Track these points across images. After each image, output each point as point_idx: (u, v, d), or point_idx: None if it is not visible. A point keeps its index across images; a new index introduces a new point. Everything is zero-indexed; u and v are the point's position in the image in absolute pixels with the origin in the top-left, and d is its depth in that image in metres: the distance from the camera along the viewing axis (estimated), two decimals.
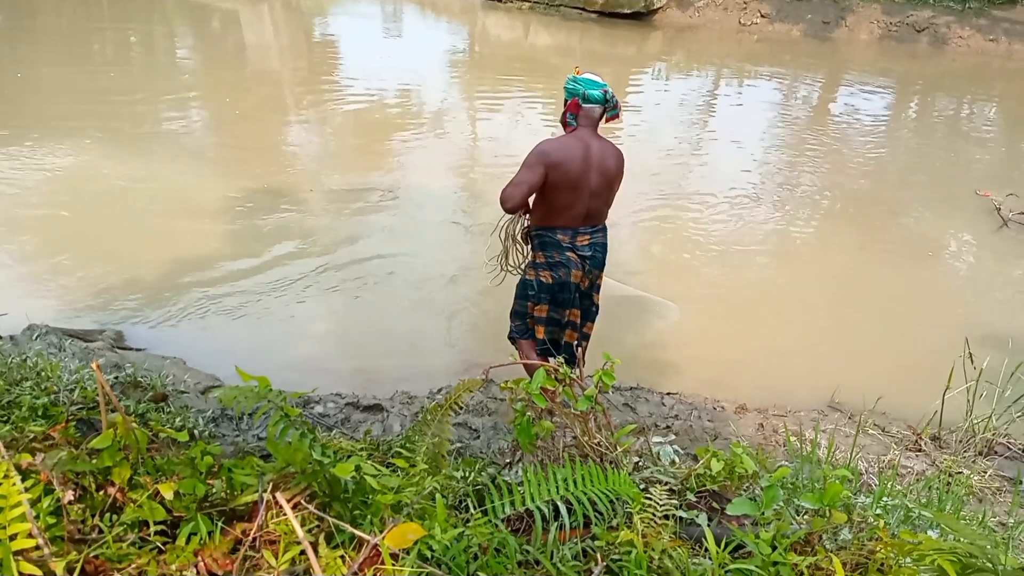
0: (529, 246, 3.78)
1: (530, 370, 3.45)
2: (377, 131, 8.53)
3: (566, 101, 3.55)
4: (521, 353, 3.74)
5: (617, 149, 3.62)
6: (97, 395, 2.38)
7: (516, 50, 13.42)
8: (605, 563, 1.73)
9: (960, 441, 3.80)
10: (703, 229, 6.49)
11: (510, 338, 3.86)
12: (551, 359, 3.55)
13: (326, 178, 7.09)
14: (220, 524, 1.61)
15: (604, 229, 3.72)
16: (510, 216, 3.76)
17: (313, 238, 5.88)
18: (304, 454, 1.72)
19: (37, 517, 1.48)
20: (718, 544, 1.79)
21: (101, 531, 1.51)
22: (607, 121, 3.60)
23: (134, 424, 1.80)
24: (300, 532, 1.24)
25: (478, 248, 5.92)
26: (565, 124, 3.56)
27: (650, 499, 1.97)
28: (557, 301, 3.67)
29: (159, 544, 1.53)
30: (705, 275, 5.82)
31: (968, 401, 3.79)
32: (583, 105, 3.49)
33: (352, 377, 4.35)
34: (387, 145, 8.12)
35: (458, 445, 3.28)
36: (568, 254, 3.59)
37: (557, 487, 1.91)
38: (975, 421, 3.81)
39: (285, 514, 1.31)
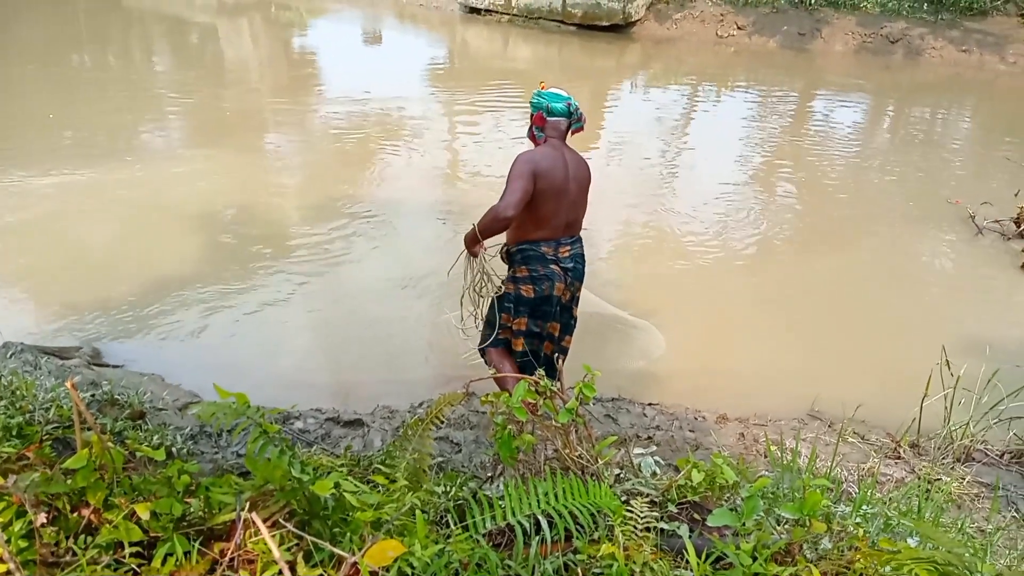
0: (508, 263, 3.76)
1: (504, 382, 3.45)
2: (356, 143, 8.52)
3: (531, 115, 3.60)
4: (490, 363, 3.74)
5: (585, 160, 3.67)
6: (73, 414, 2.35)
7: (496, 62, 13.46)
8: None
9: (938, 448, 3.83)
10: (682, 240, 6.52)
11: (480, 349, 3.86)
12: (531, 371, 3.57)
13: (306, 191, 7.06)
14: (197, 544, 1.59)
15: (581, 240, 3.75)
16: (469, 254, 3.76)
17: (293, 252, 5.85)
18: (283, 471, 1.71)
19: (8, 541, 1.46)
20: (699, 556, 1.79)
21: (75, 554, 1.49)
22: (572, 133, 3.63)
23: (110, 443, 1.78)
24: (276, 552, 1.23)
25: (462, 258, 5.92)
26: (533, 138, 3.60)
27: (631, 511, 1.97)
28: (538, 314, 3.67)
29: (134, 566, 1.50)
30: (685, 286, 5.84)
31: (946, 408, 3.83)
32: (548, 118, 3.53)
33: (333, 392, 4.33)
34: (366, 157, 8.10)
35: (440, 459, 3.27)
36: (552, 267, 3.59)
37: (538, 501, 1.90)
38: (953, 428, 3.85)
39: (263, 533, 1.29)
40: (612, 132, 9.50)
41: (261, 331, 4.90)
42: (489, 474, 2.55)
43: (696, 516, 2.15)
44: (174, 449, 2.94)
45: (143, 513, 1.59)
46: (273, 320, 5.03)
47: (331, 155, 8.14)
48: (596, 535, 1.91)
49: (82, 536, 1.54)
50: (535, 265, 3.59)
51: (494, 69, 12.81)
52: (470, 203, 6.76)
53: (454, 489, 2.18)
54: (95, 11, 14.97)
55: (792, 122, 10.49)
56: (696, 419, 4.10)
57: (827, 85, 12.49)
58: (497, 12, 15.48)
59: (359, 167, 7.80)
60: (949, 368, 3.75)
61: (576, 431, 2.30)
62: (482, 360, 3.89)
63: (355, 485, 1.80)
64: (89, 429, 1.73)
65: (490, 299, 3.83)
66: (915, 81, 12.94)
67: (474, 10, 15.77)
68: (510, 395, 2.14)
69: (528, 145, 3.69)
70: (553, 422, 2.22)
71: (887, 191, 8.09)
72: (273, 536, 1.58)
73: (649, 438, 3.80)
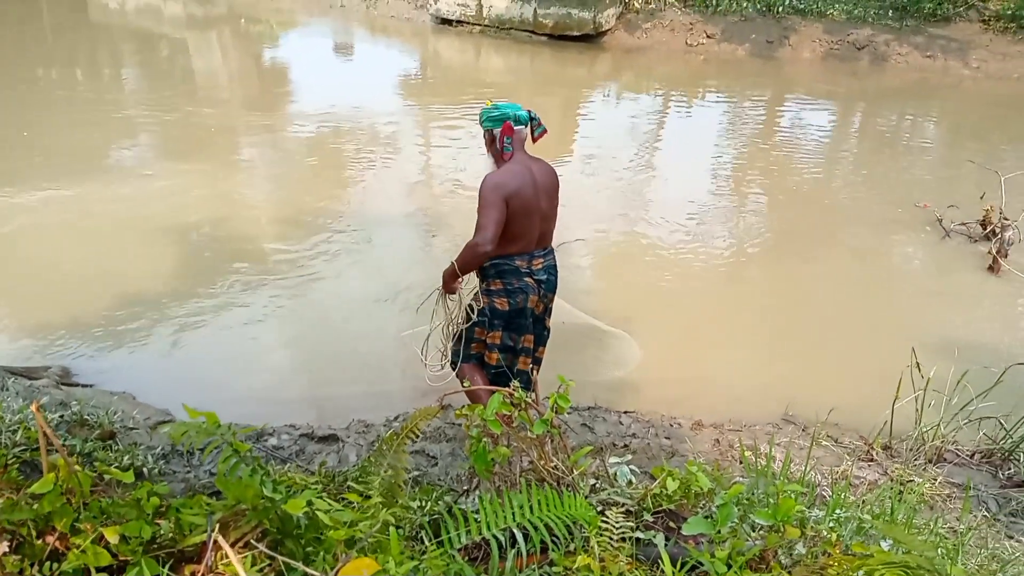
0: (481, 277, 3.73)
1: (477, 396, 3.43)
2: (330, 156, 8.49)
3: (491, 133, 3.55)
4: (462, 377, 3.73)
5: (551, 166, 3.66)
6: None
7: (468, 73, 13.48)
8: None
9: (910, 450, 3.87)
10: (656, 249, 6.55)
11: (452, 363, 3.85)
12: (505, 384, 3.57)
13: (280, 205, 7.02)
14: (167, 568, 1.56)
15: (553, 251, 3.75)
16: (447, 292, 3.74)
17: (265, 266, 5.81)
18: (255, 491, 1.69)
19: None
20: (674, 564, 1.79)
21: None
22: (536, 140, 3.62)
23: (77, 466, 1.75)
24: (243, 575, 1.21)
25: (434, 271, 5.89)
26: (501, 153, 3.54)
27: (607, 522, 1.97)
28: (512, 327, 3.66)
29: None
30: (659, 295, 5.87)
31: (917, 410, 3.87)
32: (515, 127, 3.51)
33: (308, 407, 4.30)
34: (340, 170, 8.07)
35: (416, 473, 3.25)
36: (526, 279, 3.59)
37: (513, 514, 1.90)
38: (924, 429, 3.89)
39: (230, 556, 1.28)
40: (585, 141, 9.53)
41: (235, 347, 4.86)
42: (465, 487, 2.54)
43: (672, 524, 2.16)
44: (145, 469, 2.90)
45: (112, 537, 1.56)
46: (247, 336, 4.99)
47: (305, 169, 8.10)
48: (572, 546, 1.91)
49: (48, 563, 1.51)
50: (509, 278, 3.58)
51: (467, 80, 12.83)
52: (445, 213, 6.76)
53: (429, 504, 2.17)
54: (63, 27, 14.80)
55: (762, 129, 10.60)
56: (672, 426, 4.11)
57: (796, 92, 12.63)
58: (469, 23, 15.51)
59: (333, 180, 7.78)
60: (919, 370, 3.79)
61: (551, 442, 2.30)
62: (451, 376, 3.87)
63: (328, 503, 1.78)
64: (55, 452, 1.70)
65: (462, 318, 3.80)
66: (881, 87, 13.13)
67: (445, 21, 15.79)
68: (484, 408, 2.14)
69: (490, 166, 3.64)
70: (528, 433, 2.22)
71: (856, 196, 8.19)
72: (245, 557, 1.57)
73: (625, 446, 3.81)
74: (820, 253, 6.73)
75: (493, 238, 3.37)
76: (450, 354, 3.87)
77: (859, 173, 8.99)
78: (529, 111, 3.55)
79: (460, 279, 3.65)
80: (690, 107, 11.90)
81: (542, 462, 2.21)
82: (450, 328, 3.83)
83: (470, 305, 3.75)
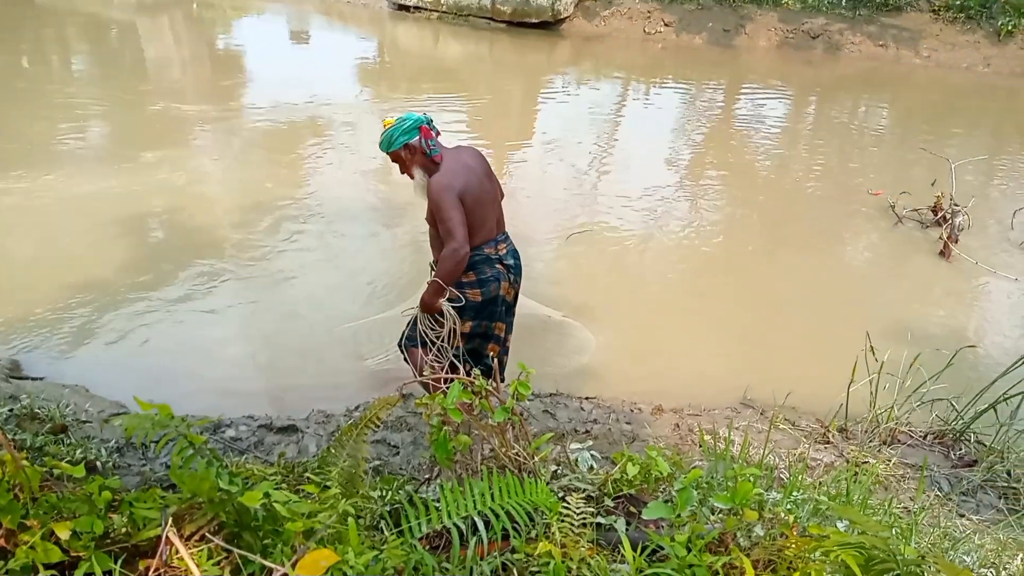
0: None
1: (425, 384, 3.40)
2: (287, 145, 8.35)
3: (407, 148, 3.44)
4: (413, 362, 3.70)
5: (474, 148, 3.68)
6: None
7: (427, 60, 13.36)
8: None
9: (865, 431, 3.94)
10: (615, 237, 6.57)
11: (401, 346, 3.81)
12: (469, 370, 3.56)
13: (236, 195, 6.90)
14: (120, 563, 1.53)
15: (508, 235, 3.76)
16: (433, 311, 3.65)
17: (221, 257, 5.72)
18: (210, 483, 1.65)
19: None
20: (635, 549, 1.80)
21: None
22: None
23: (25, 461, 1.70)
24: (196, 570, 1.18)
25: (394, 261, 5.86)
26: (430, 158, 3.46)
27: (568, 508, 1.97)
28: (484, 315, 3.66)
29: None
30: (619, 282, 5.90)
31: (871, 393, 3.94)
32: (430, 129, 3.47)
33: (267, 398, 4.25)
34: (297, 159, 7.96)
35: (377, 462, 3.23)
36: (497, 266, 3.60)
37: (475, 502, 1.89)
38: (879, 412, 3.96)
39: (180, 551, 1.25)
40: (544, 129, 9.53)
41: (192, 339, 4.77)
42: (426, 476, 2.53)
43: (632, 509, 2.17)
44: (99, 463, 2.84)
45: (62, 533, 1.52)
46: (204, 327, 4.91)
47: (261, 158, 7.97)
48: (533, 533, 1.90)
49: None
50: (481, 267, 3.58)
51: (425, 68, 12.72)
52: (405, 202, 6.70)
53: (390, 493, 2.15)
54: (5, 11, 14.36)
55: (719, 117, 10.68)
56: (632, 411, 4.14)
57: (752, 80, 12.75)
58: (426, 9, 15.37)
59: (291, 169, 7.66)
60: (874, 354, 3.86)
61: (512, 429, 2.30)
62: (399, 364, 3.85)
63: (286, 495, 1.75)
64: (1, 447, 1.65)
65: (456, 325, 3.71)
66: (835, 75, 13.30)
67: (403, 7, 15.63)
68: (443, 396, 2.13)
69: (421, 178, 3.52)
70: (489, 421, 2.21)
71: (811, 183, 8.30)
72: (201, 551, 1.54)
73: (587, 432, 3.83)
74: (776, 240, 6.82)
75: (465, 238, 3.38)
76: (402, 335, 3.83)
77: (814, 160, 9.11)
78: (424, 114, 3.51)
79: (445, 293, 3.57)
80: (649, 95, 11.94)
81: (503, 449, 2.21)
82: (441, 342, 3.70)
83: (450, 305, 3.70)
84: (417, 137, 3.43)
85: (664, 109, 11.19)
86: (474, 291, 3.59)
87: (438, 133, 3.54)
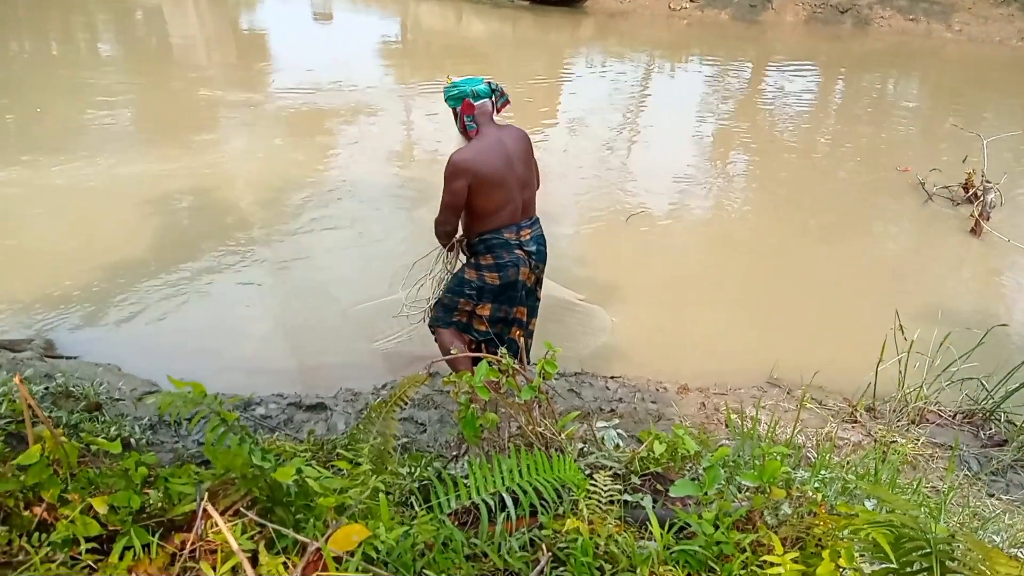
0: (469, 253, 3.71)
1: (457, 363, 3.42)
2: (312, 125, 8.38)
3: (455, 112, 3.49)
4: (440, 342, 3.71)
5: (521, 130, 3.63)
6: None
7: (449, 39, 13.32)
8: (551, 552, 1.74)
9: (894, 411, 3.91)
10: (641, 214, 6.54)
11: (429, 326, 3.83)
12: (492, 349, 3.57)
13: (261, 177, 6.94)
14: (157, 537, 1.56)
15: (539, 220, 3.72)
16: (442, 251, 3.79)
17: (250, 235, 5.76)
18: (243, 459, 1.68)
19: None
20: (662, 526, 1.81)
21: (28, 553, 1.45)
22: (499, 110, 3.58)
23: (63, 437, 1.73)
24: (234, 543, 1.21)
25: (420, 241, 5.87)
26: (465, 131, 3.50)
27: (595, 485, 1.98)
28: (503, 299, 3.64)
29: (90, 563, 1.47)
30: (646, 261, 5.88)
31: (900, 372, 3.90)
32: (475, 103, 3.45)
33: (296, 376, 4.28)
34: (323, 139, 7.99)
35: (405, 440, 3.26)
36: (516, 251, 3.56)
37: (503, 478, 1.90)
38: (907, 391, 3.93)
39: (219, 524, 1.27)
40: (568, 108, 9.47)
41: (221, 318, 4.82)
42: (454, 453, 2.54)
43: (659, 487, 2.17)
44: (133, 440, 2.89)
45: (100, 507, 1.55)
46: (233, 306, 4.95)
47: (287, 139, 8.00)
48: (561, 510, 1.92)
49: (36, 534, 1.50)
50: (499, 252, 3.55)
51: (449, 46, 12.68)
52: (427, 185, 6.70)
53: (419, 470, 2.17)
54: None
55: (746, 95, 10.56)
56: (658, 390, 4.14)
57: (779, 56, 12.58)
58: None
59: (316, 151, 7.69)
60: (903, 333, 3.82)
61: (539, 407, 2.31)
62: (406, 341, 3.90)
63: (318, 471, 1.78)
64: (41, 424, 1.68)
65: (448, 277, 3.80)
66: (864, 50, 13.09)
67: None
68: (470, 374, 2.14)
69: (459, 142, 3.58)
70: (516, 399, 2.22)
71: (839, 160, 8.20)
72: (235, 525, 1.56)
73: (612, 411, 3.83)
74: (802, 218, 6.75)
75: (448, 220, 3.50)
76: (428, 316, 3.86)
77: (842, 137, 8.99)
78: (489, 82, 3.49)
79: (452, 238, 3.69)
80: (674, 72, 11.83)
81: (530, 427, 2.22)
82: (435, 281, 3.86)
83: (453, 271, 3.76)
84: (459, 107, 3.46)
85: (690, 86, 11.09)
86: (492, 274, 3.58)
87: (503, 105, 3.56)
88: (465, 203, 3.43)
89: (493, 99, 3.51)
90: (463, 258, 3.80)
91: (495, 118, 3.54)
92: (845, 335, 4.87)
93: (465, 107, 3.45)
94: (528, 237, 3.60)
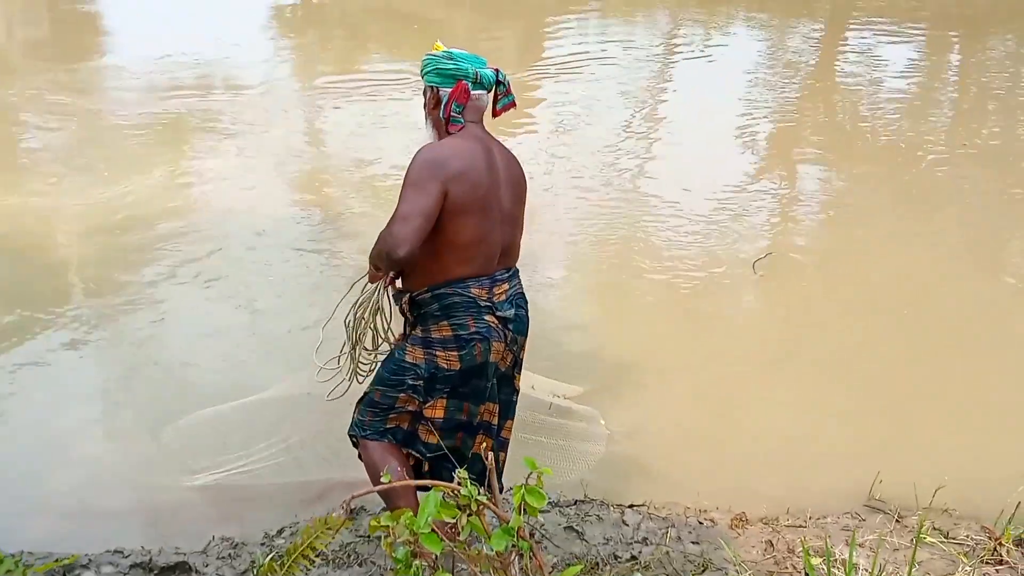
0: (416, 319, 3.64)
1: (393, 493, 3.34)
2: (170, 132, 8.40)
3: (435, 92, 3.49)
4: (368, 462, 3.62)
5: (513, 155, 3.64)
6: None
7: (374, 0, 13.48)
8: None
9: None
10: (663, 254, 6.57)
11: (351, 436, 3.75)
12: (446, 471, 3.51)
13: (94, 208, 6.90)
14: None
15: (518, 272, 3.70)
16: (370, 285, 3.72)
17: (72, 295, 5.76)
18: None
19: None
20: None
21: None
22: (497, 113, 3.59)
23: None
24: None
25: (334, 299, 5.84)
26: (447, 122, 3.46)
27: None
28: (465, 393, 3.56)
29: None
30: (671, 324, 5.88)
31: None
32: (473, 91, 3.46)
33: (143, 519, 4.20)
34: (186, 152, 8.00)
35: None
36: (487, 318, 3.49)
37: None
38: None
39: None
40: (555, 96, 9.58)
41: (29, 427, 4.76)
42: None
43: None
44: None
45: None
46: (49, 410, 4.89)
47: (131, 150, 8.01)
48: None
49: None
50: (462, 318, 3.46)
51: (374, 11, 12.82)
52: (350, 215, 6.71)
53: None
54: None
55: (814, 72, 10.75)
56: (701, 523, 4.11)
57: (863, 14, 12.83)
58: None
59: (172, 168, 7.70)
60: None
61: (520, 560, 2.28)
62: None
63: None
64: None
65: (377, 359, 3.77)
66: (988, 4, 13.38)
67: None
68: (413, 512, 2.10)
69: (429, 137, 3.59)
70: (484, 550, 2.19)
71: (957, 167, 8.31)
72: None
73: (633, 558, 3.80)
74: (908, 255, 6.79)
75: (412, 234, 3.22)
76: (354, 412, 3.79)
77: (958, 134, 9.13)
78: (497, 71, 3.51)
79: (383, 274, 3.57)
80: (708, 38, 12.03)
81: None
82: (357, 325, 3.84)
83: (391, 339, 3.73)
84: (450, 88, 3.44)
85: (732, 60, 11.28)
86: (450, 354, 3.47)
87: (505, 108, 3.59)
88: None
89: (495, 95, 3.53)
90: (397, 324, 3.75)
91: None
92: (979, 433, 4.88)
93: (459, 92, 3.42)
94: (504, 298, 3.55)
